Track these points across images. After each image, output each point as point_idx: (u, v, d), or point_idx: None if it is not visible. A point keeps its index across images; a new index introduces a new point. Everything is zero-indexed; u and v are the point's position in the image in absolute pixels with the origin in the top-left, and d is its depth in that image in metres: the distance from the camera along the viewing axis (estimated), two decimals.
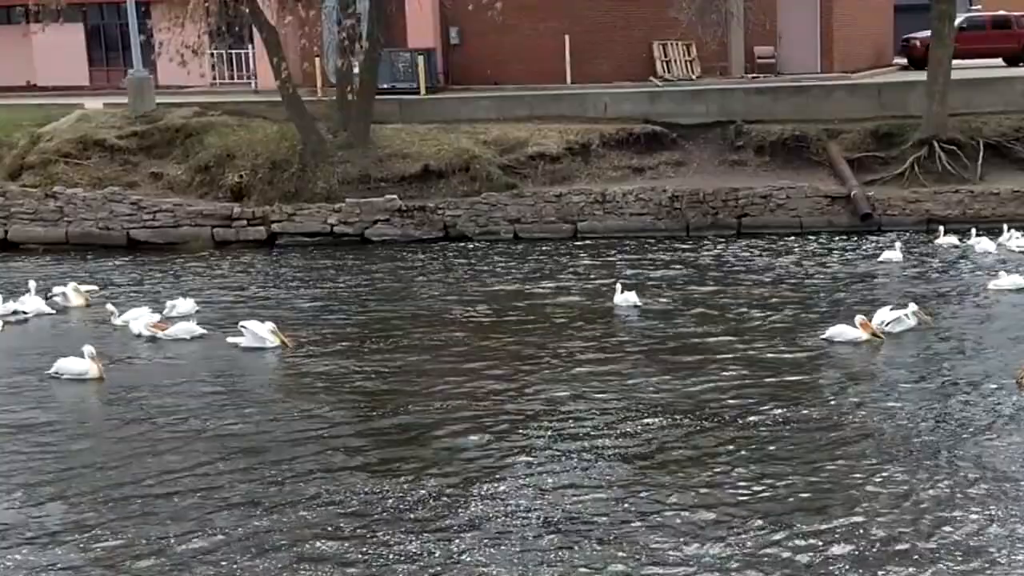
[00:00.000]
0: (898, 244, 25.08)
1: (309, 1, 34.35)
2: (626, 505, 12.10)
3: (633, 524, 11.63)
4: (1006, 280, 20.92)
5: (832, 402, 15.37)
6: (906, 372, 16.69)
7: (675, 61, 40.35)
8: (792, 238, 27.62)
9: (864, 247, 26.36)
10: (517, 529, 11.58)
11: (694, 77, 39.81)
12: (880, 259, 24.59)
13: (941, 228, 26.19)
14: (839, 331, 18.21)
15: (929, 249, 25.51)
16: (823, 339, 18.20)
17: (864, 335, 17.96)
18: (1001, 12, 46.65)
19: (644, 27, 39.41)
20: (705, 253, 26.59)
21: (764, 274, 23.97)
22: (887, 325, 18.27)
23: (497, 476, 12.99)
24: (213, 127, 32.78)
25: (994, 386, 15.60)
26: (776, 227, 28.53)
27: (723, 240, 27.96)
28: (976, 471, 12.69)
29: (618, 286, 21.54)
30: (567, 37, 39.53)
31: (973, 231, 25.72)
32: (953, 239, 25.68)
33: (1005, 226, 25.66)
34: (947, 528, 11.30)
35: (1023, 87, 33.22)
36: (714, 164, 31.57)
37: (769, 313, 20.47)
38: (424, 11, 40.25)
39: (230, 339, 19.17)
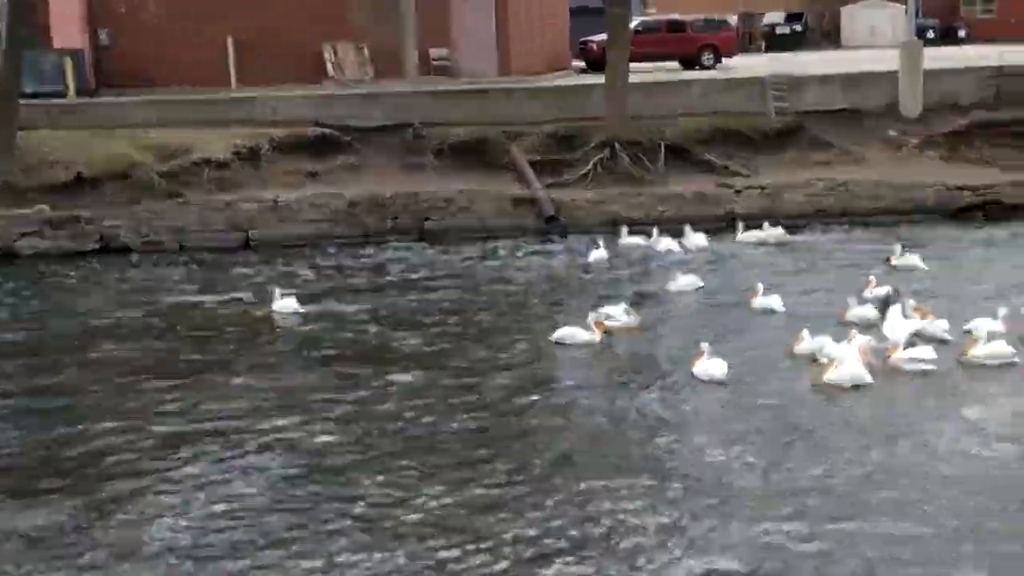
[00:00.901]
0: (601, 243, 25.38)
1: None
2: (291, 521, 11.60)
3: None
4: (683, 281, 21.37)
5: (527, 405, 15.16)
6: (612, 373, 16.65)
7: (347, 63, 39.96)
8: (478, 242, 27.47)
9: (551, 249, 26.51)
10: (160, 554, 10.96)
11: (367, 79, 39.54)
12: (591, 259, 24.70)
13: (624, 229, 26.63)
14: (569, 333, 18.01)
15: (615, 250, 25.84)
16: (553, 340, 18.03)
17: (597, 335, 17.85)
18: (676, 16, 48.73)
19: (314, 29, 38.82)
20: (386, 258, 26.09)
21: (458, 278, 23.70)
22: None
23: (144, 498, 12.30)
24: None
25: (676, 381, 15.90)
26: (460, 231, 28.33)
27: (405, 245, 27.52)
28: (658, 470, 12.71)
29: (276, 292, 20.92)
30: (230, 39, 38.52)
31: (655, 231, 26.29)
32: (638, 239, 26.15)
33: (687, 226, 26.38)
34: (616, 527, 11.28)
35: (701, 90, 34.57)
36: (393, 168, 31.25)
37: (469, 317, 20.29)
38: (71, 10, 38.35)
39: None
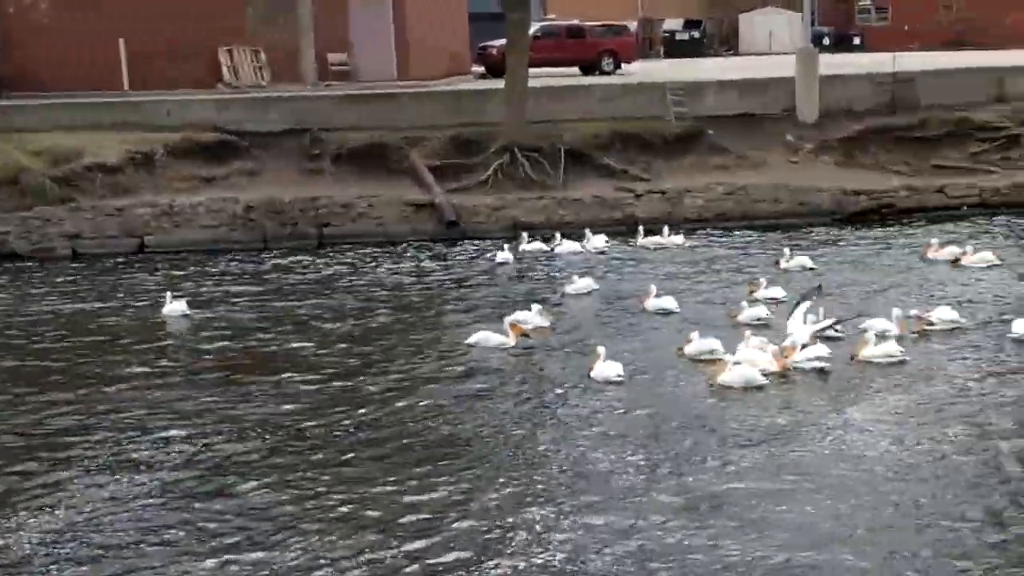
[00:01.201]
0: (507, 247, 25.61)
1: None
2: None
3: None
4: (580, 283, 21.57)
5: (427, 407, 15.24)
6: (515, 375, 16.78)
7: (243, 67, 39.72)
8: (378, 247, 27.45)
9: (452, 253, 26.58)
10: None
11: (264, 84, 39.35)
12: (497, 262, 25.01)
13: (524, 234, 26.83)
14: (484, 336, 18.16)
15: (518, 254, 25.98)
16: (469, 343, 18.15)
17: (511, 341, 17.95)
18: (576, 22, 49.11)
19: (210, 32, 38.49)
20: (284, 264, 25.96)
21: (359, 284, 23.66)
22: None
23: (26, 505, 12.21)
24: None
25: (576, 384, 16.09)
26: (360, 236, 28.29)
27: (303, 251, 27.39)
28: (546, 470, 12.94)
29: (168, 296, 20.87)
30: (122, 42, 38.05)
31: (558, 235, 26.54)
32: (539, 244, 26.34)
33: (588, 230, 26.68)
34: (518, 525, 11.45)
35: (600, 95, 34.95)
36: (291, 173, 31.12)
37: (371, 322, 20.27)
38: None
39: None
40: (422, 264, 25.69)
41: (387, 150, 31.49)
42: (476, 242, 27.68)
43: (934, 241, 24.11)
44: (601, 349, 16.35)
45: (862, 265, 23.86)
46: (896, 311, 17.69)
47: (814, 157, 32.48)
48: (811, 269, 22.81)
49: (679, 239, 26.39)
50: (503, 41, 36.09)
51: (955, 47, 61.88)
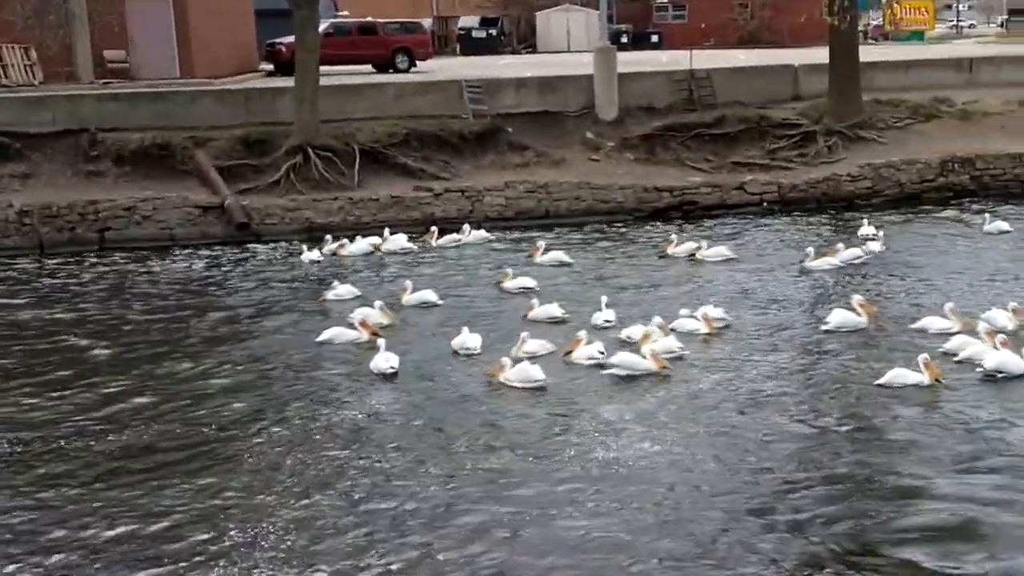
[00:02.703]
0: (306, 247, 25.82)
1: None
2: None
3: None
4: (341, 289, 21.56)
5: (230, 412, 15.29)
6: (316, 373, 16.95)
7: (12, 66, 38.71)
8: (165, 251, 27.03)
9: (245, 256, 26.35)
10: None
11: (36, 83, 38.41)
12: (304, 261, 25.20)
13: (329, 237, 26.79)
14: (337, 332, 18.41)
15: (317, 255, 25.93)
16: (321, 340, 18.31)
17: (365, 334, 18.24)
18: (368, 19, 49.21)
19: None
20: (67, 271, 25.35)
21: (146, 289, 23.38)
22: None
23: None
24: None
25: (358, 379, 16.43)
26: (145, 240, 27.81)
27: (84, 256, 26.79)
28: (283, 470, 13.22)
29: None
30: None
31: (359, 236, 26.66)
32: (345, 242, 26.33)
33: (387, 230, 26.85)
34: (252, 528, 11.72)
35: (395, 93, 35.10)
36: (68, 175, 30.38)
37: (167, 325, 20.17)
38: None
39: None
40: (216, 266, 25.46)
41: (172, 151, 31.01)
42: (272, 244, 27.58)
43: (673, 237, 25.33)
44: (382, 342, 16.98)
45: (610, 261, 24.91)
46: (684, 309, 18.59)
47: (615, 155, 33.23)
48: (567, 264, 24.01)
49: (481, 233, 27.08)
50: (292, 38, 35.92)
51: (750, 45, 64.15)
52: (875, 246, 24.03)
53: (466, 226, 27.15)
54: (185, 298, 22.52)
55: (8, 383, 16.88)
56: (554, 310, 19.35)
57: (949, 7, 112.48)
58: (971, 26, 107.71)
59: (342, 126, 32.27)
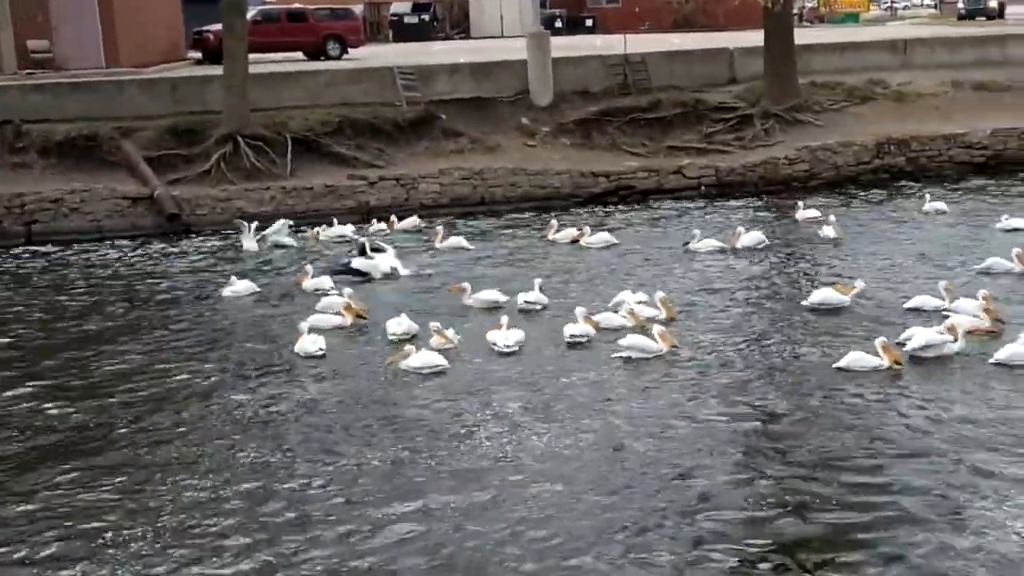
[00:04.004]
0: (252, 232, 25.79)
1: None
2: None
3: None
4: (239, 286, 21.44)
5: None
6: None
7: None
8: (94, 244, 26.89)
9: (180, 248, 26.29)
10: None
11: None
12: (242, 248, 25.41)
13: (283, 221, 26.80)
14: (321, 319, 18.57)
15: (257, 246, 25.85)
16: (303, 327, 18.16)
17: (349, 319, 18.68)
18: (297, 6, 49.03)
19: None
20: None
21: (88, 281, 23.26)
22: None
23: None
24: None
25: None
26: (72, 233, 27.58)
27: (9, 250, 26.64)
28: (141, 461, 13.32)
29: None
30: None
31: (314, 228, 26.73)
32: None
33: (335, 219, 26.95)
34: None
35: (327, 80, 35.08)
36: None
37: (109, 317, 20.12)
38: None
39: None
40: (150, 258, 25.39)
41: (99, 141, 30.82)
42: (201, 235, 27.60)
43: (553, 223, 25.68)
44: (304, 325, 17.40)
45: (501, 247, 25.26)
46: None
47: (550, 140, 33.41)
48: (467, 249, 24.53)
49: (413, 219, 27.28)
50: (220, 26, 35.76)
51: (685, 29, 64.51)
52: (829, 231, 24.15)
53: (393, 217, 27.34)
54: (98, 289, 22.53)
55: None
56: (495, 295, 19.54)
57: None
58: (905, 7, 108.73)
59: (273, 115, 32.24)
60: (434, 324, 17.15)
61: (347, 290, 19.73)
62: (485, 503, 11.82)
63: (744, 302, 19.45)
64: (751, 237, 23.64)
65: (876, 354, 15.42)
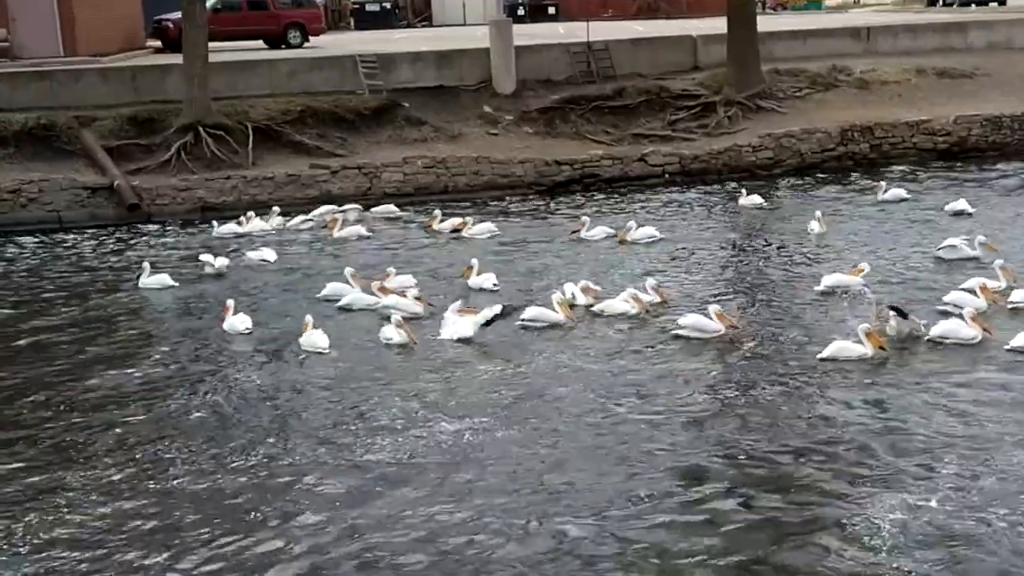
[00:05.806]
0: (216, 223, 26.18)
1: None
2: None
3: None
4: (153, 279, 21.39)
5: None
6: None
7: None
8: (53, 235, 26.77)
9: (139, 239, 26.22)
10: None
11: None
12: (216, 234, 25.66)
13: (260, 213, 26.91)
14: (356, 298, 19.10)
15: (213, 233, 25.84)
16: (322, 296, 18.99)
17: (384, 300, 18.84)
18: None
19: None
20: None
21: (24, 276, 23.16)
22: None
23: None
24: None
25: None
26: (31, 224, 27.45)
27: None
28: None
29: None
30: None
31: (251, 214, 26.63)
32: (233, 225, 26.26)
33: (276, 208, 27.09)
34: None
35: (288, 69, 35.02)
36: None
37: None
38: None
39: None
40: (113, 249, 25.33)
41: (57, 131, 30.70)
42: (160, 224, 27.57)
43: (437, 213, 25.93)
44: (230, 302, 18.29)
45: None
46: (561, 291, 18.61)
47: (514, 128, 33.47)
48: (365, 237, 25.13)
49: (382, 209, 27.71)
50: (180, 14, 35.62)
51: (648, 16, 64.63)
52: (815, 225, 24.22)
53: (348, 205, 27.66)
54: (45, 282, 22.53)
55: None
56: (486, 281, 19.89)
57: None
58: None
59: (234, 103, 32.23)
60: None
61: (348, 269, 20.14)
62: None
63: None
64: (643, 232, 23.67)
65: (859, 342, 15.46)
